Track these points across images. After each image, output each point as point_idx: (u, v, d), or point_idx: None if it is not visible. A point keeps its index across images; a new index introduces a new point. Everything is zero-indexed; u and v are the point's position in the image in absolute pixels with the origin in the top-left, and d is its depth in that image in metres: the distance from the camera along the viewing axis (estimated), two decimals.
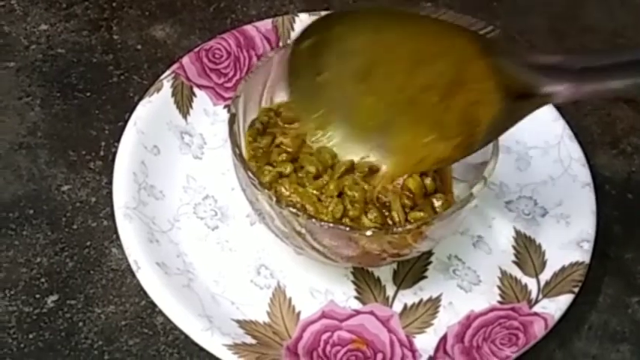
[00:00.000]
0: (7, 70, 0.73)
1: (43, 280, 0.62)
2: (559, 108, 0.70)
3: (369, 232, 0.55)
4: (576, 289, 0.61)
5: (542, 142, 0.69)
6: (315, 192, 0.59)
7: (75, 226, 0.64)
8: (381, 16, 0.57)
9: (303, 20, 0.74)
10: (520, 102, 0.54)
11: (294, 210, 0.55)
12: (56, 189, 0.66)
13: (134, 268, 0.60)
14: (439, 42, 0.56)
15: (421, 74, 0.57)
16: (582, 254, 0.62)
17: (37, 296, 0.61)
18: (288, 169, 0.60)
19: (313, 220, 0.55)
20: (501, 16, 0.81)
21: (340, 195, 0.59)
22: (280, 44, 0.73)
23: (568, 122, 0.70)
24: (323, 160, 0.61)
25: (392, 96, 0.59)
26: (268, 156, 0.61)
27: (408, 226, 0.56)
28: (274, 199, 0.56)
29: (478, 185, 0.57)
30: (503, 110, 0.55)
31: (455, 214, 0.57)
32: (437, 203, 0.60)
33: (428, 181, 0.60)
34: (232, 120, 0.59)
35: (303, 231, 0.56)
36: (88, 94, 0.72)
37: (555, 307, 0.60)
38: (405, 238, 0.56)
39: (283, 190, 0.59)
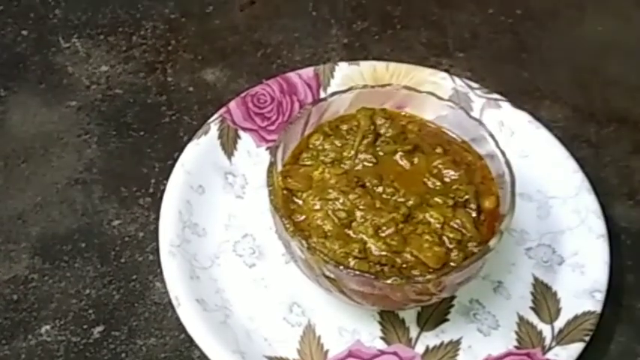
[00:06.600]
0: (69, 109, 0.73)
1: (90, 311, 0.61)
2: (578, 159, 0.68)
3: (390, 281, 0.53)
4: (587, 338, 0.58)
5: (562, 193, 0.66)
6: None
7: (123, 260, 0.63)
8: None
9: (342, 69, 0.72)
10: None
11: (322, 256, 0.54)
12: (107, 223, 0.65)
13: (175, 304, 0.58)
14: None
15: None
16: (594, 304, 0.60)
17: (85, 327, 0.60)
18: None
19: (340, 267, 0.54)
20: (528, 68, 0.78)
21: None
22: (321, 90, 0.71)
23: (587, 173, 0.67)
24: None
25: None
26: None
27: (428, 276, 0.54)
28: (305, 245, 0.54)
29: (494, 239, 0.55)
30: None
31: (472, 265, 0.55)
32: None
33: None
34: (271, 169, 0.58)
35: (332, 276, 0.55)
36: (142, 132, 0.71)
37: (567, 354, 0.58)
38: (427, 288, 0.54)
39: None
